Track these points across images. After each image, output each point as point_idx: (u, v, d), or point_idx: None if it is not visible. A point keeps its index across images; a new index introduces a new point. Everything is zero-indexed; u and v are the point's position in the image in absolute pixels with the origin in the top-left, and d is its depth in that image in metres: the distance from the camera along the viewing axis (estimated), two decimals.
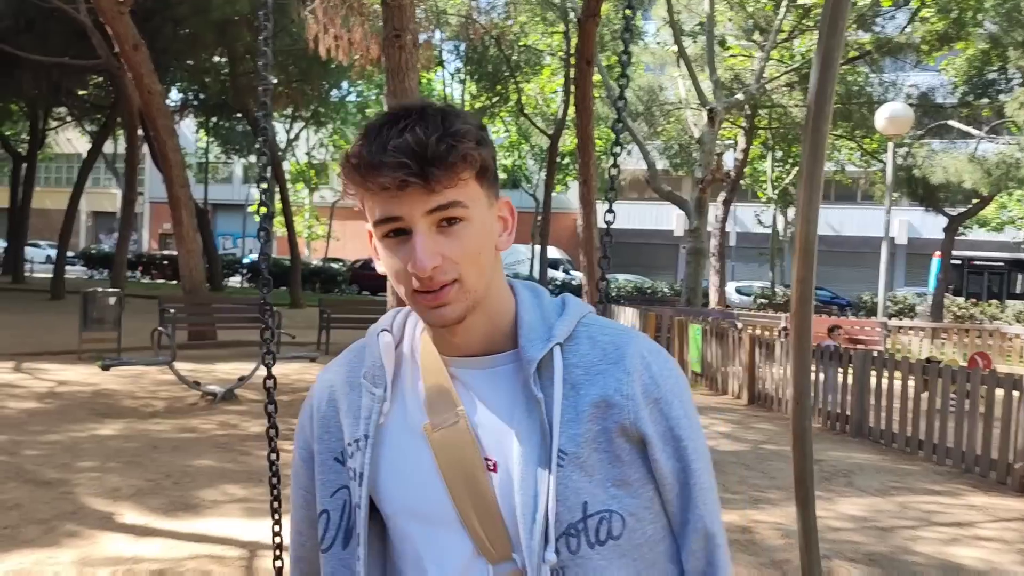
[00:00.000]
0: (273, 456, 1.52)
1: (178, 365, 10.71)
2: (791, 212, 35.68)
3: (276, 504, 1.82)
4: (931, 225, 36.57)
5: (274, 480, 1.67)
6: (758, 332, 12.19)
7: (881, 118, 15.73)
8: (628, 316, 16.23)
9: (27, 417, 8.26)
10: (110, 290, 13.14)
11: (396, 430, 1.15)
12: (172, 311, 12.66)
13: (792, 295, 2.65)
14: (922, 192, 23.55)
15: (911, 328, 17.07)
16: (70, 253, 36.32)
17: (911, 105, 17.31)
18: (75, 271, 36.12)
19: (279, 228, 35.32)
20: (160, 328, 10.19)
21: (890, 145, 16.99)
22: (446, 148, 1.01)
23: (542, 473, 1.06)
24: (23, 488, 5.92)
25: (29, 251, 36.26)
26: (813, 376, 9.95)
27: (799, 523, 3.06)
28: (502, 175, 35.02)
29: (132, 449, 7.18)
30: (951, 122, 22.39)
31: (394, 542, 1.18)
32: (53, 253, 25.66)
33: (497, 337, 1.14)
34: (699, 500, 1.15)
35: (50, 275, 24.17)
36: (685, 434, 1.14)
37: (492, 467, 1.11)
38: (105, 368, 9.12)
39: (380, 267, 1.13)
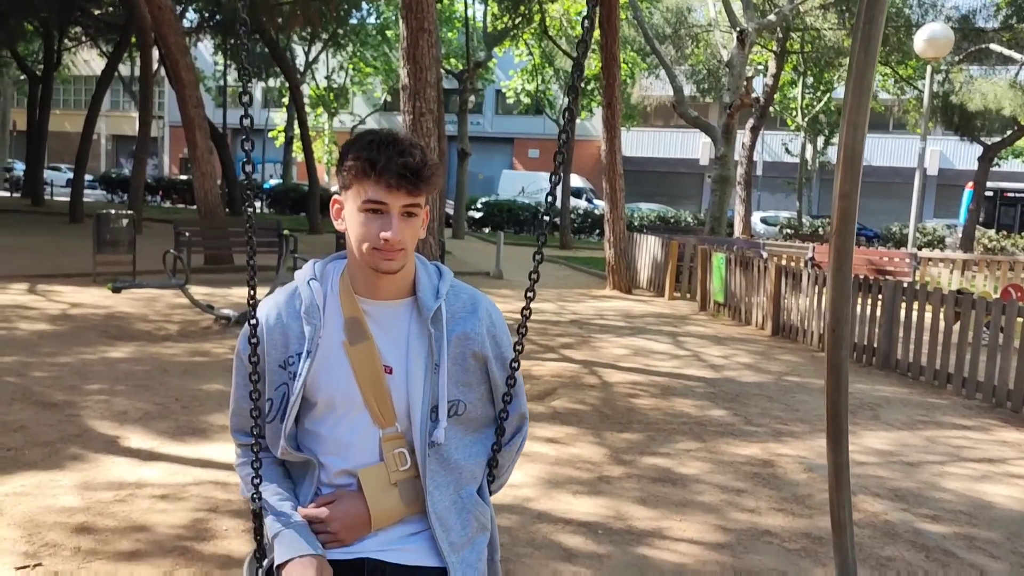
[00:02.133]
0: (255, 378, 1.78)
1: (193, 289, 10.60)
2: (820, 141, 34.84)
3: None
4: (964, 155, 35.63)
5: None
6: (784, 262, 11.85)
7: (920, 40, 15.04)
8: (650, 244, 15.91)
9: (38, 339, 8.17)
10: (123, 212, 12.97)
11: (325, 346, 1.78)
12: (187, 234, 12.50)
13: (833, 211, 2.37)
14: (958, 120, 22.77)
15: (941, 260, 16.62)
16: (90, 177, 36.31)
17: (951, 28, 16.51)
18: (95, 195, 36.11)
19: (298, 153, 35.02)
20: (172, 251, 10.02)
21: (928, 69, 16.30)
22: (430, 174, 1.69)
23: (426, 375, 1.78)
24: (29, 410, 5.83)
25: (49, 174, 36.24)
26: None
27: (829, 459, 2.84)
28: (525, 100, 34.51)
29: (142, 372, 7.08)
30: (992, 46, 21.44)
31: (316, 419, 1.80)
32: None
33: (402, 288, 1.80)
34: (519, 396, 1.92)
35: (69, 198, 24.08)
36: (509, 355, 1.88)
37: (388, 370, 1.78)
38: (115, 290, 9.00)
39: (340, 225, 1.78)
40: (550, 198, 1.88)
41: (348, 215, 1.73)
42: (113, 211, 12.84)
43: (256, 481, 1.80)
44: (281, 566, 1.71)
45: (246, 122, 1.96)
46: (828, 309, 2.55)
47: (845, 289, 2.48)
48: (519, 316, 1.86)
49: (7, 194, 35.90)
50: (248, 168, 1.94)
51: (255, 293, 1.78)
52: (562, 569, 3.87)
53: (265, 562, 1.81)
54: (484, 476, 1.90)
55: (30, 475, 4.64)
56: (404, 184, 1.66)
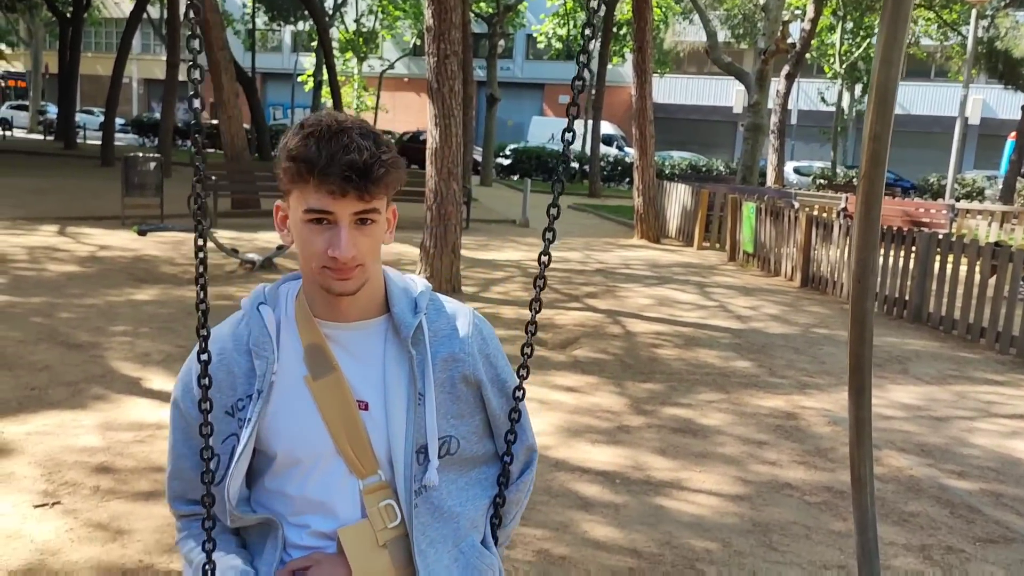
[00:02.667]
0: (207, 431, 1.39)
1: (220, 233, 10.63)
2: (858, 89, 33.98)
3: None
4: (1008, 104, 34.59)
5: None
6: (815, 212, 11.61)
7: None
8: (680, 193, 15.67)
9: (66, 280, 8.24)
10: (150, 155, 12.98)
11: (282, 383, 1.43)
12: (213, 178, 12.50)
13: (863, 154, 2.25)
14: (1002, 67, 22.05)
15: (979, 212, 16.22)
16: (122, 120, 36.44)
17: None
18: (127, 139, 36.28)
19: (326, 98, 34.83)
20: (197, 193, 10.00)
21: (973, 13, 15.74)
22: (383, 172, 1.33)
23: (409, 409, 1.43)
24: (55, 350, 5.88)
25: (82, 118, 36.43)
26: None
27: (851, 413, 2.75)
28: (557, 45, 33.90)
29: (166, 315, 7.12)
30: None
31: (277, 475, 1.46)
32: None
33: (371, 306, 1.46)
34: (525, 423, 1.58)
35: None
36: (508, 378, 1.56)
37: (363, 406, 1.43)
38: (141, 233, 9.04)
39: (286, 237, 1.43)
40: (567, 149, 1.54)
41: (292, 226, 1.39)
42: (141, 154, 12.86)
43: (208, 567, 1.42)
44: None
45: (195, 74, 1.37)
46: (854, 258, 2.44)
47: (872, 237, 2.36)
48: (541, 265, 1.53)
49: (40, 137, 36.17)
50: (199, 117, 1.40)
51: (206, 319, 1.41)
52: (577, 518, 3.85)
53: None
54: (487, 522, 1.58)
55: (53, 414, 4.69)
56: (352, 188, 1.31)
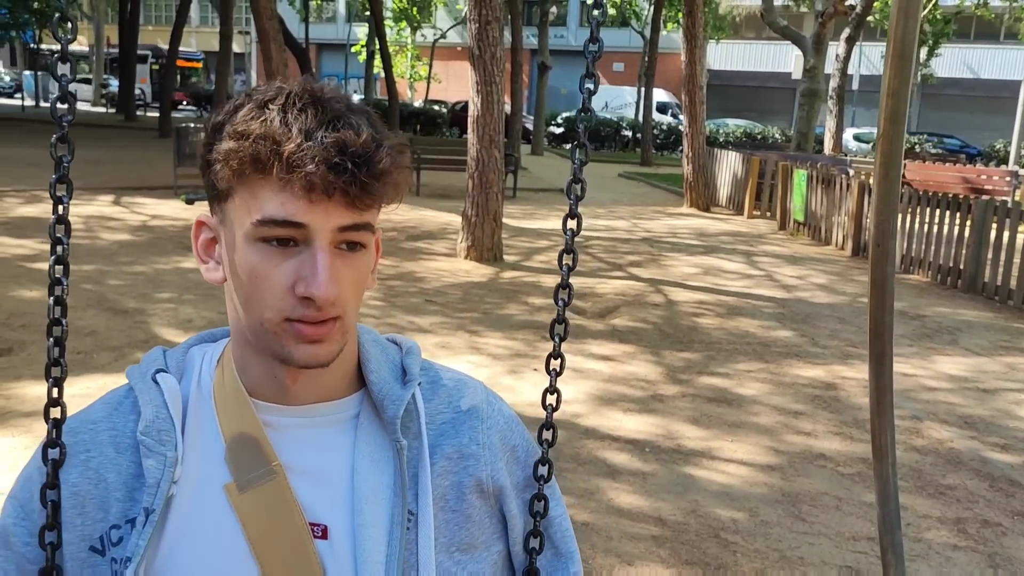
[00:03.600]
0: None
1: None
2: (923, 52, 32.84)
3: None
4: None
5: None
6: (869, 180, 11.28)
7: None
8: (730, 160, 15.38)
9: (117, 248, 8.45)
10: (199, 126, 13.16)
11: (188, 497, 0.89)
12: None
13: (881, 112, 2.16)
14: None
15: None
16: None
17: None
18: (186, 111, 36.93)
19: (379, 69, 34.91)
20: None
21: None
22: (389, 164, 0.83)
23: (392, 537, 0.90)
24: (101, 316, 6.04)
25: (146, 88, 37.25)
26: (925, 227, 9.18)
27: (871, 382, 2.67)
28: (611, 11, 33.44)
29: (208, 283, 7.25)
30: None
31: None
32: None
33: (337, 380, 0.93)
34: (568, 552, 1.05)
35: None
36: (550, 492, 1.01)
37: (320, 533, 0.89)
38: (189, 202, 9.21)
39: (212, 272, 0.91)
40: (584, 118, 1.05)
41: (228, 251, 0.87)
42: (193, 124, 13.05)
43: None
44: None
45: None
46: (872, 221, 2.36)
47: (892, 199, 2.28)
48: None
49: (103, 110, 37.02)
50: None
51: (61, 353, 0.93)
52: (603, 485, 3.83)
53: None
54: None
55: (97, 377, 4.83)
56: (341, 184, 0.81)
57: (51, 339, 0.90)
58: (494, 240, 8.89)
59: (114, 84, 39.26)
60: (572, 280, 1.07)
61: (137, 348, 5.37)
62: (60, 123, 0.87)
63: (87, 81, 44.99)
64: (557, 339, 1.01)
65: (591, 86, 1.01)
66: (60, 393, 0.90)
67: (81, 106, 39.50)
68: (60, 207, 0.88)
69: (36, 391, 4.56)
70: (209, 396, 0.93)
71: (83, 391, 4.61)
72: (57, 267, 0.88)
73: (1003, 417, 4.98)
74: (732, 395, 5.14)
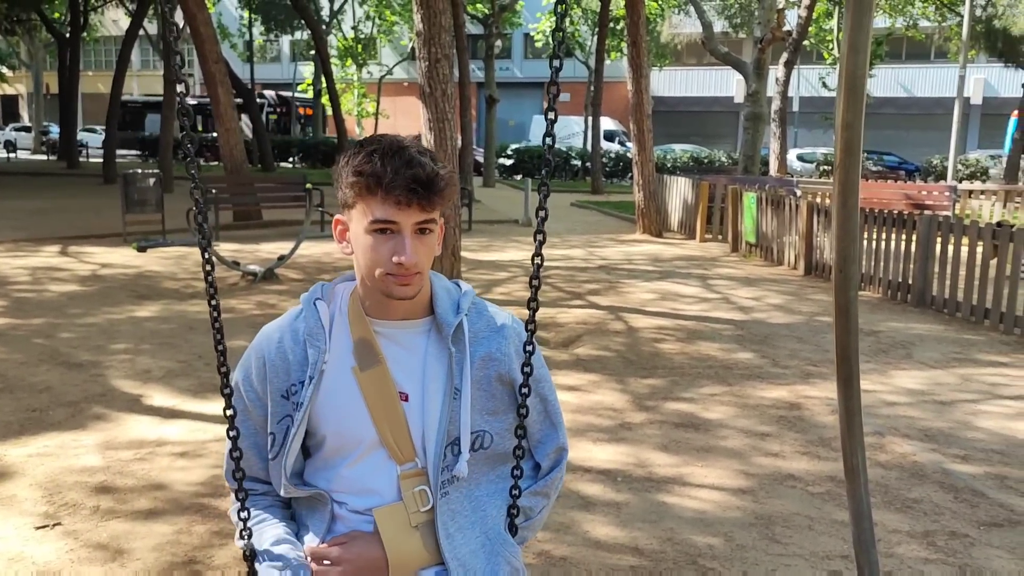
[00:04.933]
0: (232, 433, 1.60)
1: (222, 245, 10.66)
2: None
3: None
4: (1010, 83, 34.38)
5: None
6: (818, 199, 11.56)
7: None
8: (680, 187, 15.63)
9: (67, 300, 8.26)
10: (149, 171, 13.01)
11: (332, 372, 1.57)
12: (213, 191, 12.52)
13: (836, 144, 2.23)
14: (1002, 46, 21.91)
15: (982, 192, 16.11)
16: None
17: None
18: (131, 155, 36.41)
19: (326, 106, 34.87)
20: (194, 208, 10.02)
21: None
22: (443, 185, 1.48)
23: (444, 402, 1.56)
24: (55, 371, 5.90)
25: (85, 136, 36.64)
26: (873, 244, 9.41)
27: (840, 404, 2.72)
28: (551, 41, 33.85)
29: (167, 331, 7.13)
30: None
31: (325, 455, 1.61)
32: None
33: (418, 307, 1.60)
34: (558, 423, 1.74)
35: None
36: (543, 377, 1.70)
37: (404, 397, 1.57)
38: (141, 250, 9.06)
39: (346, 248, 1.58)
40: (548, 144, 1.68)
41: (354, 237, 1.54)
42: (140, 171, 12.89)
43: (244, 515, 1.60)
44: None
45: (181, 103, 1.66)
46: (835, 248, 2.41)
47: (852, 227, 2.34)
48: (545, 265, 1.68)
49: (44, 157, 36.34)
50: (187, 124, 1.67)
51: (222, 341, 1.57)
52: (579, 518, 3.83)
53: None
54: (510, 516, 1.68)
55: (53, 435, 4.70)
56: (416, 199, 1.46)
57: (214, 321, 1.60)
58: (453, 274, 8.88)
59: (55, 130, 38.64)
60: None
61: (95, 402, 5.25)
62: None
63: (27, 129, 44.20)
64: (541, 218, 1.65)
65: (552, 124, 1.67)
66: (226, 365, 1.58)
67: (22, 154, 38.79)
68: None
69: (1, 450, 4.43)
70: (344, 314, 1.61)
71: (41, 450, 4.49)
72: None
73: (962, 428, 5.10)
74: (699, 419, 5.18)
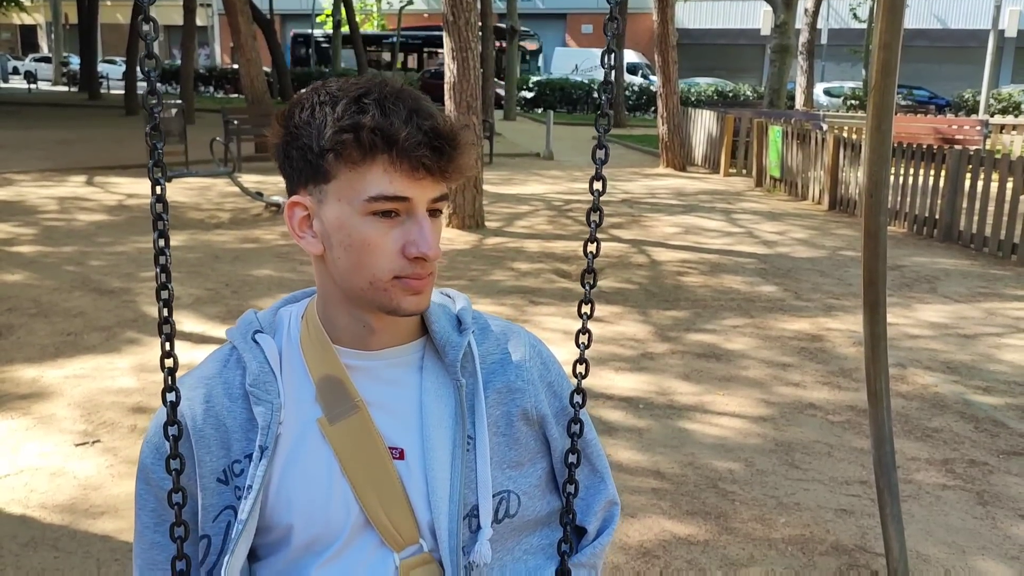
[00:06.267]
0: (178, 498, 1.04)
1: (244, 177, 10.70)
2: None
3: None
4: None
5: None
6: (844, 133, 11.39)
7: None
8: (705, 119, 15.42)
9: (96, 229, 8.37)
10: (171, 102, 13.00)
11: (290, 434, 1.09)
12: (235, 123, 12.51)
13: (873, 65, 2.20)
14: None
15: (1014, 127, 15.80)
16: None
17: None
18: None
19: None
20: (217, 139, 10.05)
21: None
22: (465, 145, 1.01)
23: (455, 457, 1.08)
24: (87, 297, 6.01)
25: (105, 67, 36.45)
26: (900, 179, 9.30)
27: (866, 329, 2.76)
28: None
29: (194, 259, 7.22)
30: None
31: (290, 557, 1.10)
32: None
33: (405, 328, 1.11)
34: (603, 471, 1.25)
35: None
36: (584, 417, 1.18)
37: (398, 455, 1.09)
38: (168, 180, 9.09)
39: (312, 244, 1.04)
40: (604, 94, 1.13)
41: (332, 226, 1.02)
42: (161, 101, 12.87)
43: None
44: None
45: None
46: (865, 172, 2.41)
47: (884, 150, 2.33)
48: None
49: (65, 88, 36.32)
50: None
51: (169, 313, 1.03)
52: (601, 442, 3.90)
53: None
54: None
55: (89, 358, 4.82)
56: (436, 164, 0.99)
57: (160, 301, 1.04)
58: (475, 207, 8.90)
59: (75, 62, 38.50)
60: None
61: (127, 327, 5.37)
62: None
63: (47, 60, 44.06)
64: (587, 287, 1.21)
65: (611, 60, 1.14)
66: (172, 346, 1.02)
67: (42, 85, 38.76)
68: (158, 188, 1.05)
69: (29, 374, 4.56)
70: (298, 346, 1.11)
71: (78, 372, 4.62)
72: (160, 241, 1.04)
73: (984, 361, 5.11)
74: (721, 350, 5.23)
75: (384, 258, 1.01)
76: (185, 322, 5.51)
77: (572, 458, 1.17)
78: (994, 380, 4.79)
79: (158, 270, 1.03)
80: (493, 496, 1.11)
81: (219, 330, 5.37)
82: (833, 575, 2.92)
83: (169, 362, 1.02)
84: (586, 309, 1.19)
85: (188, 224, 8.76)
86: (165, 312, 1.03)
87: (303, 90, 1.06)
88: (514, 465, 1.15)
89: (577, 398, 1.16)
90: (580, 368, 1.17)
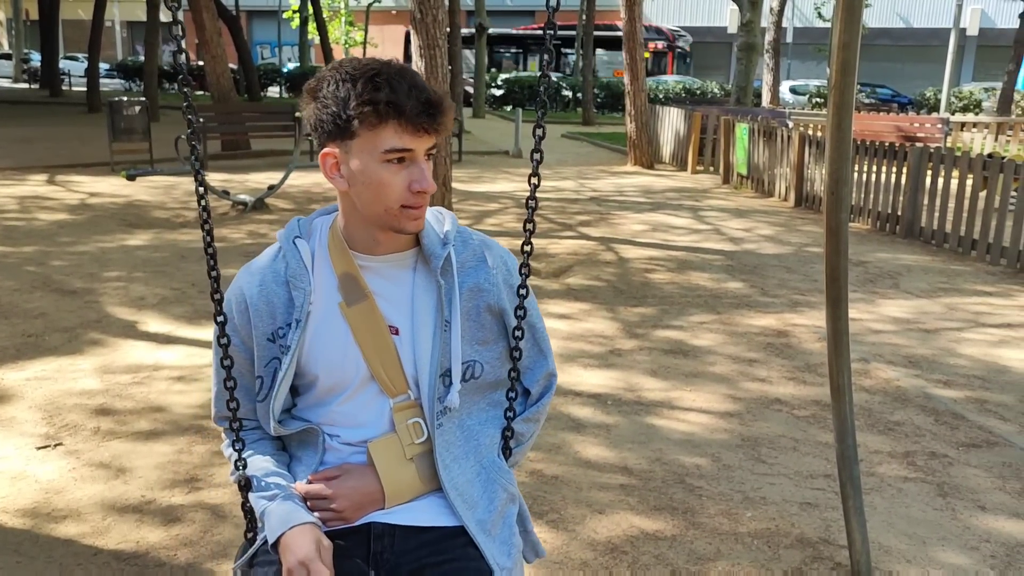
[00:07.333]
0: (227, 363, 1.58)
1: (211, 175, 10.58)
2: None
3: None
4: (1007, 13, 33.98)
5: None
6: (809, 131, 11.52)
7: None
8: (672, 117, 15.52)
9: (57, 228, 8.23)
10: (135, 99, 12.81)
11: (318, 312, 1.55)
12: (200, 120, 12.34)
13: (832, 64, 2.23)
14: None
15: (974, 124, 16.06)
16: (107, 65, 35.82)
17: None
18: (114, 84, 35.76)
19: (314, 35, 34.21)
20: (183, 136, 9.91)
21: None
22: (449, 107, 1.44)
23: (435, 334, 1.54)
24: (49, 297, 5.92)
25: (67, 64, 35.89)
26: (863, 176, 9.42)
27: (829, 324, 2.79)
28: None
29: (159, 259, 7.13)
30: None
31: (316, 395, 1.59)
32: None
33: (403, 240, 1.56)
34: (546, 350, 1.73)
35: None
36: (531, 306, 1.66)
37: (394, 331, 1.55)
38: (130, 178, 9.00)
39: (341, 183, 1.49)
40: (544, 80, 1.66)
41: (357, 170, 1.45)
42: (126, 99, 12.69)
43: (238, 446, 1.60)
44: (275, 544, 1.48)
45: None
46: (827, 170, 2.44)
47: (845, 148, 2.36)
48: (538, 198, 1.64)
49: (26, 85, 35.68)
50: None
51: (215, 263, 1.56)
52: (570, 439, 3.92)
53: (256, 543, 1.57)
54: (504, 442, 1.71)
55: (51, 360, 4.75)
56: (432, 124, 1.43)
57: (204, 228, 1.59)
58: (444, 205, 8.88)
59: (36, 58, 37.83)
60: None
61: (91, 328, 5.29)
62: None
63: (7, 56, 43.25)
64: (535, 162, 1.68)
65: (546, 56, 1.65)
66: (219, 285, 1.56)
67: (3, 82, 38.04)
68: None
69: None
70: (326, 249, 1.57)
71: (39, 373, 4.54)
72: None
73: (945, 355, 5.20)
74: (688, 346, 5.27)
75: (395, 192, 1.45)
76: (151, 322, 5.44)
77: (516, 354, 1.64)
78: (954, 374, 4.88)
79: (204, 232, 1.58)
80: (463, 363, 1.57)
81: (186, 330, 5.31)
82: (798, 568, 2.96)
83: (217, 295, 1.57)
84: (535, 180, 1.67)
85: (153, 223, 8.64)
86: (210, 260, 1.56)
87: (325, 68, 1.47)
88: (480, 342, 1.60)
89: (525, 270, 1.65)
90: (527, 248, 1.68)
